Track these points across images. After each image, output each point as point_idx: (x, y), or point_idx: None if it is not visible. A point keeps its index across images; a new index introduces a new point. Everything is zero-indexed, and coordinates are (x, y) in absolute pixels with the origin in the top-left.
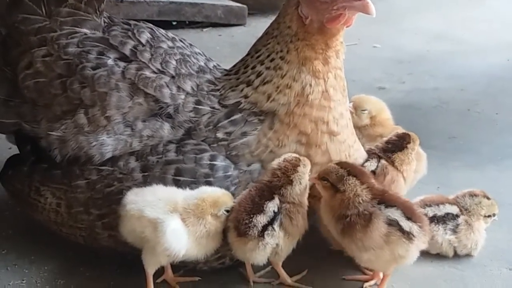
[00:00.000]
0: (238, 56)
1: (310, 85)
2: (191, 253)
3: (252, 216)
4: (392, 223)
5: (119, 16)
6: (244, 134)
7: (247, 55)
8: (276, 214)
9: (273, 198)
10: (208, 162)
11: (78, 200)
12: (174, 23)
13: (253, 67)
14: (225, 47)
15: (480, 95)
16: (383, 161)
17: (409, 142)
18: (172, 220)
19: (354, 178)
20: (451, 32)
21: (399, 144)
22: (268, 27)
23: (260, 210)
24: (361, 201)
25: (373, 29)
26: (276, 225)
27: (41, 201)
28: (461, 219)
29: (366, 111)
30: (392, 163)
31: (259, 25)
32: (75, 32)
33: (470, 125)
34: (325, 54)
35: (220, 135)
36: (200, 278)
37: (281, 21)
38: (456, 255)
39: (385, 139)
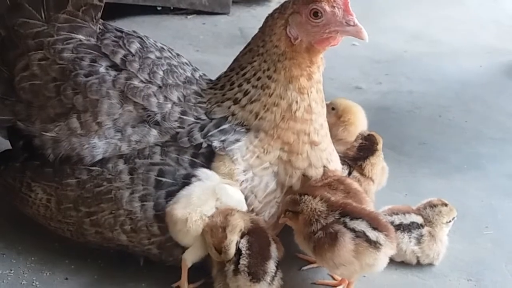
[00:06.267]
0: (221, 47)
1: (296, 102)
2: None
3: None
4: (359, 235)
5: None
6: (237, 140)
7: (231, 70)
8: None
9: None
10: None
11: (68, 197)
12: (159, 8)
13: (240, 85)
14: (209, 36)
15: (452, 101)
16: (355, 173)
17: (377, 144)
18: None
19: (306, 196)
20: (428, 33)
21: (370, 147)
22: (252, 44)
23: (269, 256)
24: (319, 213)
25: None
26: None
27: (31, 196)
28: (425, 230)
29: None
30: (361, 171)
31: (242, 15)
32: (71, 38)
33: (440, 132)
34: (309, 70)
35: (216, 144)
36: None
37: (267, 40)
38: (419, 264)
39: (355, 144)
